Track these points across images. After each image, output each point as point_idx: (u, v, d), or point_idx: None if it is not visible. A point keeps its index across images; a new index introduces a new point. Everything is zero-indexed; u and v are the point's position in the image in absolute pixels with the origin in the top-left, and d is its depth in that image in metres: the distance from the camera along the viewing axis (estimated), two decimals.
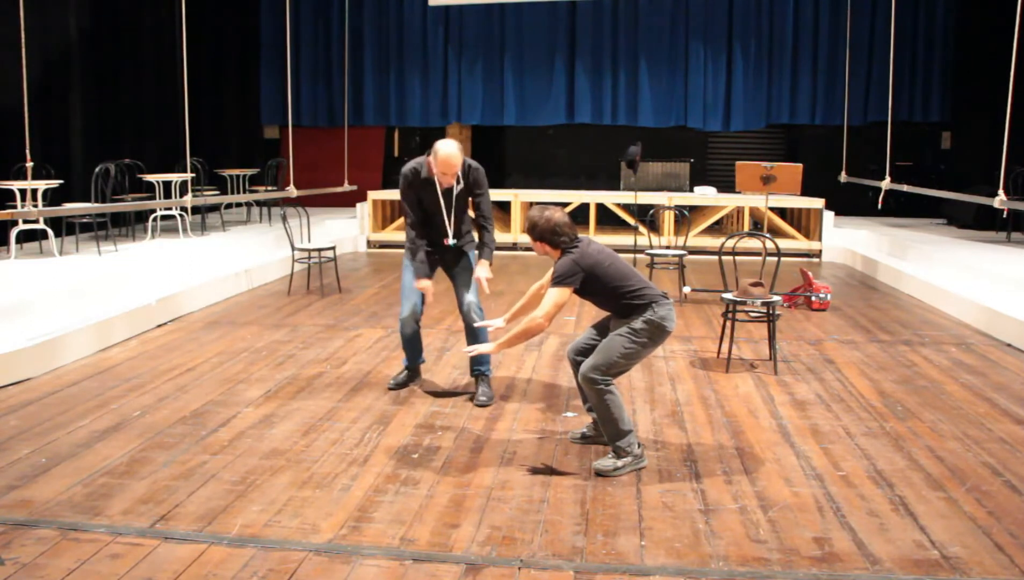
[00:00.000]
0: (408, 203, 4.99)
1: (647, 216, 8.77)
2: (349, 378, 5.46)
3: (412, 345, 5.22)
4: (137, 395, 5.06)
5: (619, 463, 3.89)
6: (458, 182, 4.87)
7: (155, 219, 9.82)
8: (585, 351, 4.16)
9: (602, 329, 4.19)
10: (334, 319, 7.25)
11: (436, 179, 4.83)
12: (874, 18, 12.81)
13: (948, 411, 4.84)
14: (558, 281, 3.95)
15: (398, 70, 13.81)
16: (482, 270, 4.96)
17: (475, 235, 5.13)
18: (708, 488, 3.74)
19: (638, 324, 3.96)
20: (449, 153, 4.72)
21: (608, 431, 3.94)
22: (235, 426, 4.53)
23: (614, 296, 4.02)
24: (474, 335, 5.01)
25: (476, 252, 5.07)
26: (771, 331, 5.73)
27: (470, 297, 4.98)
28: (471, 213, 5.10)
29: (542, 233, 4.02)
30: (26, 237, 8.46)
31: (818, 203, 11.44)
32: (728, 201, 11.86)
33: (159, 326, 6.91)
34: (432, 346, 6.24)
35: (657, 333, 3.99)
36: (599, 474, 3.86)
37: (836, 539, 3.28)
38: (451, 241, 4.99)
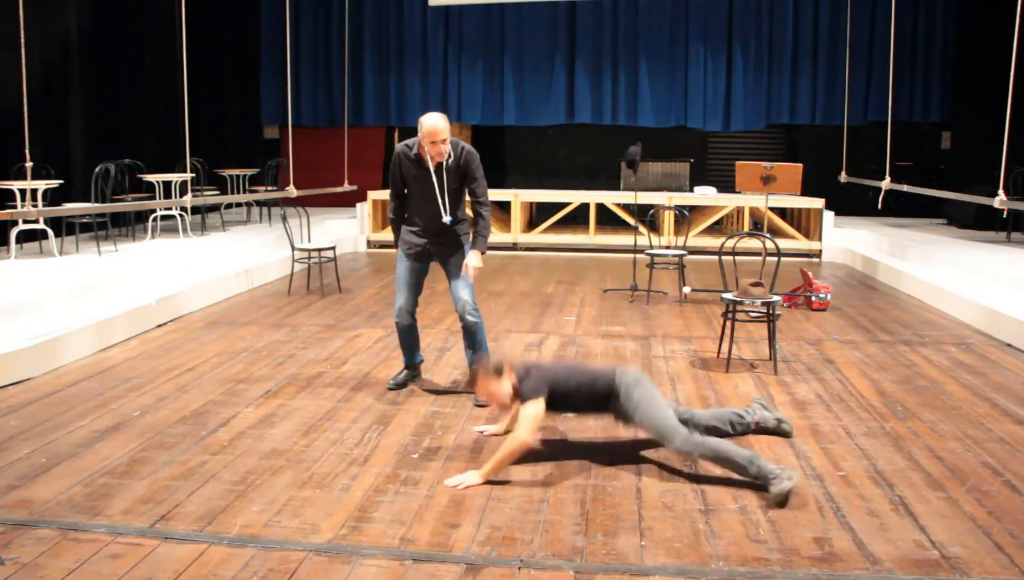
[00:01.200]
0: (393, 182, 5.00)
1: (647, 216, 8.77)
2: (349, 378, 5.46)
3: (408, 339, 5.21)
4: (137, 395, 5.06)
5: (782, 485, 3.58)
6: (449, 157, 4.84)
7: (155, 219, 9.83)
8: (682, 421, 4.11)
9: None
10: (334, 319, 7.25)
11: (427, 157, 4.83)
12: (874, 18, 12.81)
13: (948, 411, 4.84)
14: (527, 397, 3.89)
15: (398, 70, 13.81)
16: (472, 259, 4.93)
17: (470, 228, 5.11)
18: (708, 488, 3.74)
19: (622, 402, 3.95)
20: (434, 123, 4.71)
21: (740, 474, 3.74)
22: (235, 426, 4.53)
23: (586, 399, 4.01)
24: (471, 334, 5.00)
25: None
26: (771, 331, 5.73)
27: (465, 296, 4.96)
28: (469, 210, 5.09)
29: (497, 369, 3.96)
30: (26, 237, 8.46)
31: (818, 203, 11.44)
32: (728, 201, 11.86)
33: (159, 326, 6.91)
34: (432, 346, 6.24)
35: (638, 389, 3.97)
36: (782, 502, 3.61)
37: (836, 539, 3.28)
38: (446, 218, 4.92)
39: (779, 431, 4.41)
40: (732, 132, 13.67)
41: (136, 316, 6.68)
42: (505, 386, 3.95)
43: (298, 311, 7.58)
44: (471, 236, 5.03)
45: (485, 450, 4.19)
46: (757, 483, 3.69)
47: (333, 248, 8.52)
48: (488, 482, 3.78)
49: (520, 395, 3.91)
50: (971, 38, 12.46)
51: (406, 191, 5.01)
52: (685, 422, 4.18)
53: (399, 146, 4.96)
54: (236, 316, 7.38)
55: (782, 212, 12.06)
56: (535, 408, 3.86)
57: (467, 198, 5.09)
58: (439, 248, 5.03)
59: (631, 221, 11.24)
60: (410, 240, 5.04)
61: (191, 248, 9.22)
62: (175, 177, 10.11)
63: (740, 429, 4.37)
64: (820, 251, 11.44)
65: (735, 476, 3.77)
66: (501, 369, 3.98)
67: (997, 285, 7.53)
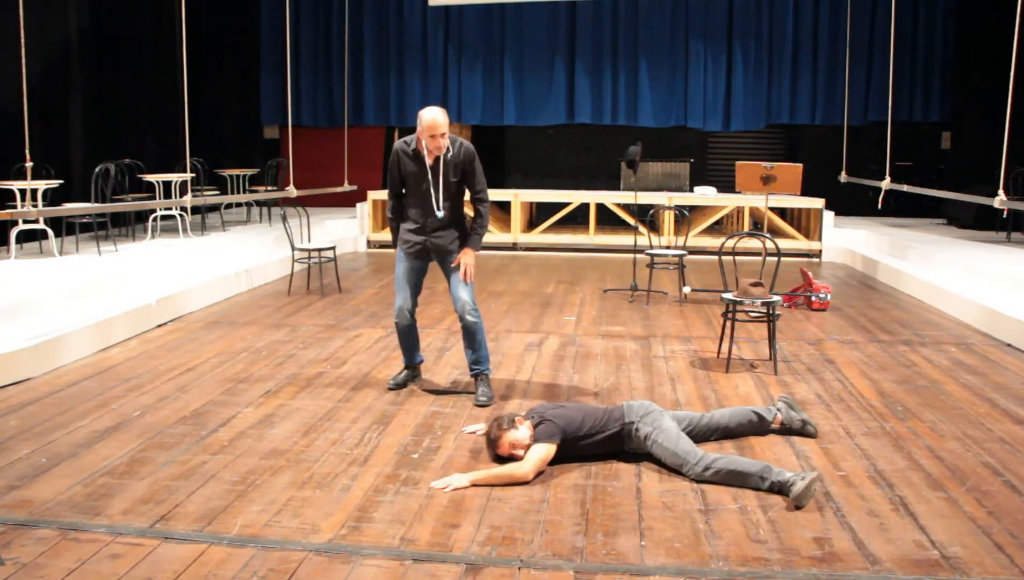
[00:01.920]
0: (392, 180, 5.00)
1: (647, 216, 8.77)
2: (349, 378, 5.46)
3: (408, 339, 5.21)
4: (137, 395, 5.06)
5: (798, 487, 3.54)
6: (448, 152, 4.84)
7: (155, 219, 9.83)
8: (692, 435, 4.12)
9: (678, 420, 4.17)
10: (334, 319, 7.25)
11: (425, 151, 4.83)
12: (874, 18, 12.82)
13: (948, 411, 4.84)
14: (540, 439, 3.91)
15: (398, 70, 13.81)
16: (464, 256, 4.94)
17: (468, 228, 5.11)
18: (708, 488, 3.74)
19: (643, 438, 3.99)
20: (433, 117, 4.72)
21: (755, 490, 3.72)
22: (235, 426, 4.53)
23: (600, 440, 4.02)
24: (471, 334, 5.00)
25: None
26: (771, 331, 5.73)
27: (464, 296, 4.95)
28: (469, 210, 5.08)
29: (509, 421, 4.00)
30: (26, 237, 8.46)
31: (818, 203, 11.45)
32: (728, 201, 11.86)
33: (159, 326, 6.91)
34: (432, 346, 6.24)
35: (648, 419, 4.02)
36: (801, 506, 3.56)
37: (836, 539, 3.28)
38: (439, 213, 4.91)
39: (804, 432, 4.40)
40: (732, 132, 13.68)
41: (136, 316, 6.68)
42: (523, 431, 3.97)
43: (298, 311, 7.58)
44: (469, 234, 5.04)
45: (485, 450, 4.19)
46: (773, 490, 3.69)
47: (333, 248, 8.52)
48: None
49: (535, 438, 3.94)
50: (971, 38, 12.46)
51: (404, 190, 5.01)
52: (703, 431, 4.22)
53: (397, 143, 4.95)
54: (236, 316, 7.38)
55: (782, 212, 12.06)
56: (546, 450, 3.90)
57: (467, 198, 5.09)
58: (437, 245, 5.01)
59: (631, 221, 11.24)
60: (409, 238, 5.03)
61: (191, 248, 9.22)
62: (175, 177, 10.11)
63: (760, 428, 4.38)
64: (820, 251, 11.44)
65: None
66: (513, 420, 4.02)
67: (997, 285, 7.53)
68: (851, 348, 6.34)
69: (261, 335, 6.63)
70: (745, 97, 13.20)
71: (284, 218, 8.31)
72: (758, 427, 4.38)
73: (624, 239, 11.55)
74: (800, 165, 8.38)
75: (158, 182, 10.17)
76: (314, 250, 8.41)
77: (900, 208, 12.87)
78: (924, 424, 4.61)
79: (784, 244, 9.57)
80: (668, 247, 9.37)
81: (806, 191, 10.29)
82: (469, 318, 4.95)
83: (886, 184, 10.76)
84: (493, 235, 11.52)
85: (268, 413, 4.75)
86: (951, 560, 3.11)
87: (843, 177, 12.28)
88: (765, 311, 5.78)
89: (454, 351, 6.12)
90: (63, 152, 9.81)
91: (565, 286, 9.10)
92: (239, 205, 12.84)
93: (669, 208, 10.39)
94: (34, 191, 7.85)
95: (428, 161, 4.85)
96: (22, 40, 7.06)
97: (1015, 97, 8.38)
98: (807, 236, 11.69)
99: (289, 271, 8.77)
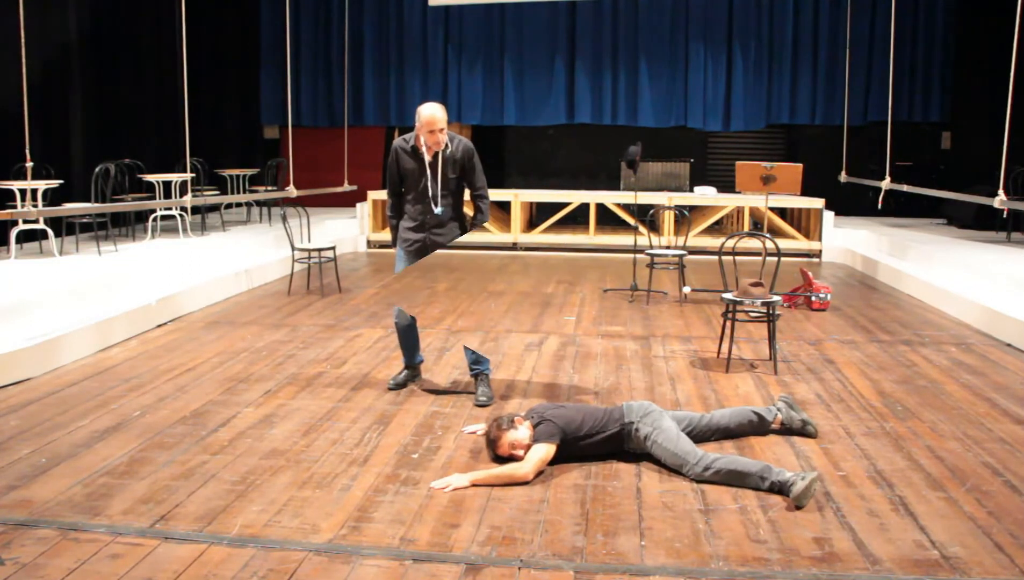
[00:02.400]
0: (391, 178, 5.01)
1: (647, 216, 8.77)
2: (349, 378, 5.46)
3: (408, 339, 5.22)
4: (137, 395, 5.06)
5: (798, 487, 3.55)
6: (447, 148, 4.86)
7: (155, 219, 9.82)
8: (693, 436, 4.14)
9: (678, 421, 4.18)
10: (334, 319, 7.25)
11: (423, 148, 4.84)
12: (874, 18, 12.81)
13: (948, 411, 4.84)
14: (540, 439, 3.92)
15: (398, 70, 13.81)
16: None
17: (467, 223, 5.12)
18: (708, 488, 3.74)
19: (642, 438, 3.99)
20: (431, 112, 4.75)
21: (755, 489, 3.72)
22: (235, 426, 4.53)
23: (600, 441, 4.02)
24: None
25: None
26: (771, 331, 5.73)
27: None
28: (469, 210, 5.08)
29: (508, 420, 4.00)
30: (26, 237, 8.46)
31: (818, 203, 11.45)
32: (728, 201, 11.86)
33: (159, 326, 6.91)
34: (432, 346, 6.24)
35: (647, 420, 4.02)
36: (801, 505, 3.58)
37: (836, 539, 3.28)
38: (438, 210, 4.92)
39: (804, 432, 4.40)
40: (732, 132, 13.67)
41: (136, 316, 6.68)
42: (523, 431, 3.97)
43: (298, 311, 7.58)
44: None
45: (485, 451, 4.19)
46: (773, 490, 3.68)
47: (333, 248, 8.52)
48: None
49: (535, 438, 3.94)
50: (971, 38, 12.46)
51: (403, 188, 5.02)
52: (702, 431, 4.22)
53: (396, 140, 4.99)
54: (236, 316, 7.38)
55: (782, 212, 12.06)
56: (546, 450, 3.90)
57: (467, 197, 5.10)
58: (437, 242, 5.01)
59: (631, 221, 11.23)
60: (408, 236, 5.03)
61: (191, 248, 9.22)
62: (175, 177, 10.10)
63: (760, 429, 4.38)
64: (820, 251, 11.44)
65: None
66: (512, 420, 4.02)
67: (997, 285, 7.53)
68: (851, 348, 6.34)
69: (261, 335, 6.63)
70: (745, 97, 13.20)
71: (284, 218, 8.31)
72: (758, 427, 4.38)
73: (624, 239, 11.55)
74: (800, 165, 8.37)
75: (158, 182, 10.17)
76: (314, 250, 8.41)
77: (900, 208, 12.86)
78: (924, 424, 4.61)
79: (784, 244, 9.57)
80: (668, 247, 9.36)
81: (806, 191, 10.28)
82: None
83: (886, 184, 10.76)
84: (493, 235, 11.53)
85: (268, 413, 4.75)
86: (951, 560, 3.11)
87: (843, 177, 12.28)
88: (765, 311, 5.78)
89: (454, 351, 6.12)
90: (63, 152, 9.81)
91: (565, 286, 9.10)
92: (239, 205, 12.84)
93: (669, 208, 10.39)
94: (34, 191, 7.84)
95: (427, 157, 4.86)
96: (22, 40, 7.06)
97: (1015, 97, 8.38)
98: (807, 236, 11.69)
99: (289, 271, 8.77)
